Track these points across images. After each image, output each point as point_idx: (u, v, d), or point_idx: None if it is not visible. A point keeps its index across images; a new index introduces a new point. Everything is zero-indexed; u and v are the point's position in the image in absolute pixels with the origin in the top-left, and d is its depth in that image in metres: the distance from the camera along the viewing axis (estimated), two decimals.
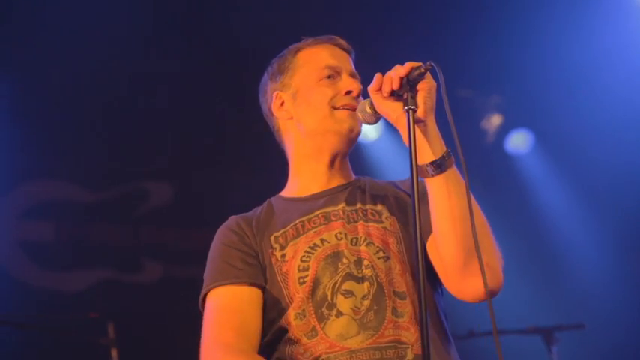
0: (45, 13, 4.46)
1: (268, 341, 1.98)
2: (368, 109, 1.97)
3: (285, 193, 2.18)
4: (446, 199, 1.86)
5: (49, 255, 4.94)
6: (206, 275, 2.05)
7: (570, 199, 5.71)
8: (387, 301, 1.92)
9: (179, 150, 5.22)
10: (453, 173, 1.87)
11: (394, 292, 1.94)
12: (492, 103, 5.66)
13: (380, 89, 1.88)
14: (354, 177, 2.17)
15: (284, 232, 2.04)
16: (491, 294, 1.82)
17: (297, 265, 1.98)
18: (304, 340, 1.92)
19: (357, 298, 1.93)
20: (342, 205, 2.06)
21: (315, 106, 2.10)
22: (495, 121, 5.69)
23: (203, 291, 2.03)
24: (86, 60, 4.64)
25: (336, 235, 2.00)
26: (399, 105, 1.86)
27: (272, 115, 2.20)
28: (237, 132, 5.12)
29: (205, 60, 5.00)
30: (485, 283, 1.72)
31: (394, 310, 1.92)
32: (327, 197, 2.09)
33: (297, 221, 2.05)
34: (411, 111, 1.80)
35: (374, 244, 1.98)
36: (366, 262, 1.96)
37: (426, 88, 1.83)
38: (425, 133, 1.86)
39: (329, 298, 1.93)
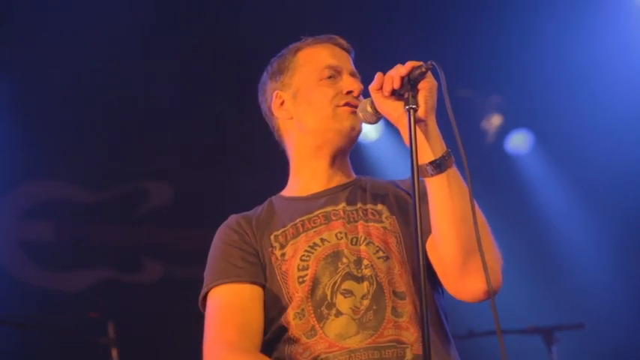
0: (45, 13, 4.46)
1: (268, 340, 1.98)
2: (369, 109, 1.97)
3: (286, 192, 2.18)
4: (445, 199, 1.86)
5: (49, 255, 4.94)
6: (207, 274, 2.05)
7: (570, 199, 5.71)
8: (387, 301, 1.92)
9: (179, 150, 5.22)
10: (453, 173, 1.87)
11: (394, 292, 1.94)
12: (492, 103, 5.66)
13: (381, 88, 1.88)
14: (354, 176, 2.17)
15: (284, 231, 2.04)
16: (489, 295, 1.82)
17: (296, 264, 1.98)
18: (303, 339, 1.92)
19: (357, 297, 1.92)
20: (343, 204, 2.06)
21: (316, 106, 2.10)
22: (495, 121, 5.69)
23: (204, 290, 2.03)
24: (86, 60, 4.64)
25: (336, 235, 2.00)
26: (399, 104, 1.85)
27: (272, 114, 2.20)
28: (237, 132, 5.12)
29: (205, 60, 5.00)
30: (487, 282, 1.72)
31: (393, 310, 1.92)
32: (328, 196, 2.09)
33: (297, 220, 2.05)
34: (411, 110, 1.80)
35: (374, 244, 1.98)
36: (365, 262, 1.96)
37: (427, 88, 1.83)
38: (425, 132, 1.86)
39: (328, 297, 1.93)
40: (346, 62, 2.16)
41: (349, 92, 2.09)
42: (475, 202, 1.84)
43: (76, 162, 4.98)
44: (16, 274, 4.86)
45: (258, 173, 4.80)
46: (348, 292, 1.93)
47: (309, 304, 1.93)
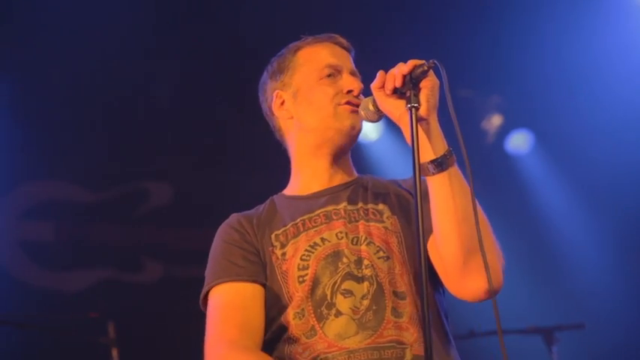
0: (45, 13, 4.46)
1: (268, 339, 1.97)
2: (370, 107, 1.97)
3: (288, 191, 2.17)
4: (447, 198, 1.85)
5: (49, 255, 4.94)
6: (208, 273, 2.05)
7: (570, 199, 5.71)
8: (387, 302, 1.92)
9: (179, 150, 5.22)
10: (454, 172, 1.86)
11: (394, 292, 1.93)
12: (493, 103, 5.66)
13: (382, 87, 1.88)
14: (356, 175, 2.17)
15: (285, 231, 2.04)
16: (490, 294, 1.81)
17: (297, 263, 1.97)
18: (303, 339, 1.91)
19: (357, 298, 1.92)
20: (344, 203, 2.06)
21: (316, 105, 2.09)
22: (496, 121, 5.69)
23: (205, 288, 2.03)
24: (86, 60, 4.64)
25: (336, 235, 2.00)
26: (401, 103, 1.85)
27: (272, 114, 2.19)
28: (237, 132, 5.12)
29: (205, 60, 5.00)
30: (489, 281, 1.72)
31: (393, 310, 1.91)
32: (329, 195, 2.08)
33: (298, 220, 2.05)
34: (413, 109, 1.80)
35: (374, 244, 1.98)
36: (366, 262, 1.95)
37: (428, 86, 1.83)
38: (427, 131, 1.85)
39: (328, 297, 1.93)
40: (346, 61, 2.16)
41: (349, 91, 2.09)
42: (477, 201, 1.84)
43: (76, 162, 4.98)
44: (16, 274, 4.86)
45: (258, 173, 4.80)
46: (348, 292, 1.93)
47: (309, 303, 1.93)
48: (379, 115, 1.97)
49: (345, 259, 1.96)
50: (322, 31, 2.22)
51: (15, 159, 4.86)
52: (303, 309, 1.93)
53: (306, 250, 1.99)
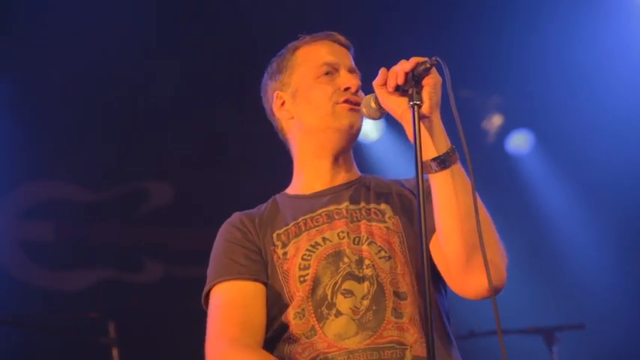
0: (45, 13, 4.46)
1: (268, 339, 1.97)
2: (372, 104, 1.96)
3: (290, 190, 2.17)
4: (449, 195, 1.84)
5: (49, 255, 4.94)
6: (209, 271, 2.05)
7: (571, 199, 5.71)
8: (387, 302, 1.91)
9: (179, 150, 5.22)
10: (457, 169, 1.86)
11: (395, 292, 1.93)
12: (493, 103, 5.65)
13: (385, 84, 1.87)
14: (359, 174, 2.16)
15: (286, 230, 2.04)
16: (493, 292, 1.81)
17: (298, 263, 1.97)
18: (303, 339, 1.91)
19: (357, 298, 1.92)
20: (346, 203, 2.05)
21: (314, 104, 2.09)
22: (496, 121, 5.69)
23: (207, 287, 2.03)
24: (86, 60, 4.64)
25: (338, 234, 1.99)
26: (403, 100, 1.84)
27: (274, 115, 2.19)
28: (238, 132, 5.12)
29: (205, 60, 5.00)
30: (489, 280, 1.71)
31: (394, 310, 1.91)
32: (331, 195, 2.08)
33: (299, 219, 2.04)
34: (416, 106, 1.79)
35: (376, 244, 1.97)
36: (367, 262, 1.95)
37: (431, 84, 1.82)
38: (429, 128, 1.85)
39: (329, 297, 1.92)
40: (344, 58, 2.15)
41: (347, 89, 2.08)
42: (479, 199, 1.83)
43: (77, 162, 4.98)
44: (17, 273, 4.86)
45: (259, 173, 4.80)
46: (349, 293, 1.93)
47: (310, 303, 1.93)
48: (381, 113, 1.96)
49: (346, 259, 1.96)
50: (323, 31, 2.21)
51: (15, 159, 4.86)
52: (303, 309, 1.93)
53: (308, 250, 1.98)
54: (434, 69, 1.82)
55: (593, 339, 5.00)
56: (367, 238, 1.98)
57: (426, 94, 1.81)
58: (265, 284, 1.99)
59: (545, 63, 5.23)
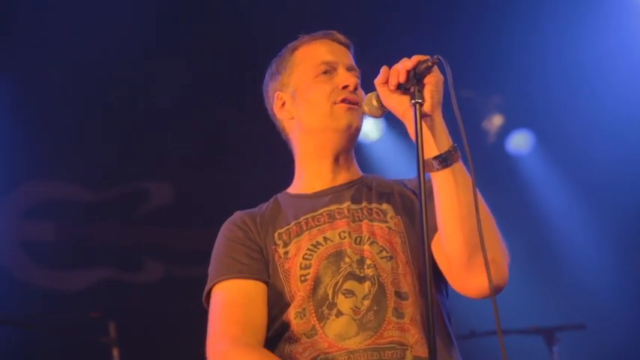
0: (45, 13, 4.46)
1: (269, 338, 1.97)
2: (374, 102, 1.95)
3: (292, 189, 2.17)
4: (451, 194, 1.84)
5: (49, 254, 4.94)
6: (211, 270, 2.05)
7: (571, 199, 5.71)
8: (388, 302, 1.91)
9: (179, 150, 5.22)
10: (458, 168, 1.85)
11: (396, 292, 1.92)
12: (493, 103, 5.65)
13: (386, 82, 1.86)
14: (361, 174, 2.16)
15: (288, 229, 2.03)
16: (496, 290, 1.80)
17: (299, 262, 1.97)
18: (304, 339, 1.91)
19: (358, 298, 1.91)
20: (348, 203, 2.05)
21: (313, 104, 2.08)
22: (496, 121, 5.68)
23: (208, 285, 2.02)
24: (87, 60, 4.65)
25: (339, 234, 1.99)
26: (405, 98, 1.84)
27: (275, 116, 2.19)
28: (238, 132, 5.12)
29: (205, 60, 5.00)
30: (489, 279, 1.70)
31: (395, 310, 1.91)
32: (333, 194, 2.08)
33: (301, 218, 2.04)
34: (417, 105, 1.78)
35: (377, 244, 1.97)
36: (368, 262, 1.95)
37: (433, 82, 1.81)
38: (431, 127, 1.84)
39: (330, 297, 1.92)
40: (343, 57, 2.14)
41: (345, 87, 2.07)
42: (481, 197, 1.83)
43: (77, 162, 4.98)
44: (17, 273, 4.86)
45: (259, 173, 4.80)
46: (350, 293, 1.92)
47: (311, 303, 1.92)
48: (383, 111, 1.95)
49: (347, 259, 1.96)
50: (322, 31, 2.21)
51: (15, 159, 4.86)
52: (304, 308, 1.93)
53: (309, 249, 1.98)
54: (436, 67, 1.81)
55: (594, 339, 5.00)
56: (369, 237, 1.98)
57: (427, 92, 1.81)
58: (266, 283, 1.99)
59: (545, 63, 5.23)
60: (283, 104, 2.15)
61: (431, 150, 1.84)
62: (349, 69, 2.12)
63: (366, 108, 1.98)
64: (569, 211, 5.71)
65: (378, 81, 1.89)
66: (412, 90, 1.80)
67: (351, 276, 1.94)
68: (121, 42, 4.62)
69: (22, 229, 4.96)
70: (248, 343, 1.90)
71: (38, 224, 4.98)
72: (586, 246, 5.64)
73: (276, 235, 2.03)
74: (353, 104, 2.06)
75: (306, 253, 1.98)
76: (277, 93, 2.17)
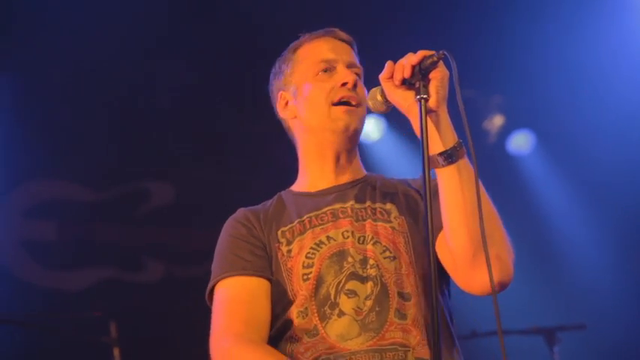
0: (46, 12, 4.46)
1: (271, 337, 1.96)
2: (378, 97, 1.92)
3: (295, 187, 2.16)
4: (456, 190, 1.83)
5: (51, 254, 4.94)
6: (214, 267, 2.04)
7: (572, 199, 5.71)
8: (390, 303, 1.91)
9: (180, 150, 5.22)
10: (464, 164, 1.84)
11: (399, 293, 1.92)
12: (494, 103, 5.65)
13: (391, 77, 1.84)
14: (365, 173, 2.15)
15: (291, 228, 2.03)
16: (500, 287, 1.80)
17: (302, 261, 1.96)
18: (305, 339, 1.91)
19: (360, 298, 1.91)
20: (351, 202, 2.04)
21: (312, 102, 2.07)
22: (497, 121, 5.68)
23: (211, 282, 2.02)
24: (88, 60, 4.65)
25: (342, 234, 1.99)
26: (410, 94, 1.83)
27: (279, 115, 2.19)
28: (238, 132, 5.12)
29: (206, 60, 5.00)
30: (491, 278, 1.69)
31: (397, 311, 1.90)
32: (336, 193, 2.07)
33: (304, 217, 2.03)
34: (422, 100, 1.77)
35: (381, 244, 1.96)
36: (371, 262, 1.94)
37: (438, 78, 1.80)
38: (436, 123, 1.83)
39: (332, 297, 1.92)
40: (344, 55, 2.12)
41: (343, 84, 2.06)
42: (486, 193, 1.82)
43: (78, 161, 4.98)
44: (19, 273, 4.86)
45: (259, 173, 4.81)
46: (352, 293, 1.92)
47: (313, 302, 1.92)
48: (387, 106, 1.93)
49: (350, 259, 1.95)
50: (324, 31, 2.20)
51: (16, 158, 4.86)
52: (306, 308, 1.92)
53: (312, 248, 1.97)
54: (441, 62, 1.79)
55: (595, 339, 5.00)
56: (372, 237, 1.97)
57: (433, 87, 1.79)
58: (270, 280, 1.98)
59: (546, 63, 5.23)
60: (286, 103, 2.15)
61: (436, 146, 1.83)
62: (349, 66, 2.10)
63: (370, 103, 1.96)
64: (569, 212, 5.70)
65: (382, 76, 1.87)
66: (417, 85, 1.79)
67: (354, 276, 1.93)
68: (121, 42, 4.62)
69: (23, 228, 4.96)
70: (252, 340, 1.89)
71: (39, 224, 4.98)
72: (587, 246, 5.63)
73: (279, 232, 2.02)
74: (352, 105, 2.05)
75: (309, 252, 1.97)
76: (280, 92, 2.16)
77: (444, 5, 4.92)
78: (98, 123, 4.98)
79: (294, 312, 1.93)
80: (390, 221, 2.00)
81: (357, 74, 2.10)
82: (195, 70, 4.99)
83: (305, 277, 1.94)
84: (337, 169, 2.10)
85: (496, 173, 5.52)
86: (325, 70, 2.09)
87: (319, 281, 1.93)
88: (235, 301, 1.96)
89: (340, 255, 1.96)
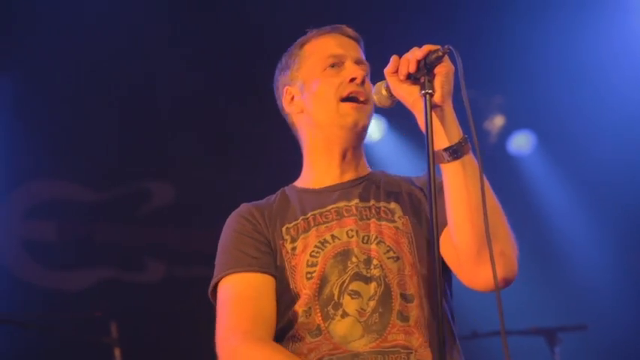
0: (46, 12, 4.46)
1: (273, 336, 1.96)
2: (383, 92, 1.91)
3: (299, 183, 2.15)
4: (461, 186, 1.82)
5: (51, 254, 4.94)
6: (218, 263, 2.02)
7: (573, 199, 5.70)
8: (393, 304, 1.90)
9: (181, 150, 5.22)
10: (469, 160, 1.83)
11: (402, 294, 1.91)
12: (495, 103, 5.65)
13: (396, 72, 1.83)
14: (369, 170, 2.14)
15: (296, 225, 2.02)
16: (505, 283, 1.80)
17: (306, 259, 1.96)
18: (308, 339, 1.90)
19: (364, 299, 1.90)
20: (356, 200, 2.03)
21: (321, 97, 2.07)
22: (498, 121, 5.68)
23: (215, 279, 2.00)
24: (88, 60, 4.65)
25: (347, 233, 1.98)
26: (415, 89, 1.81)
27: (284, 111, 2.18)
28: (240, 132, 5.12)
29: (207, 59, 5.00)
30: (494, 275, 1.68)
31: (399, 313, 1.90)
32: (341, 191, 2.06)
33: (309, 214, 2.02)
34: (427, 95, 1.76)
35: (384, 244, 1.96)
36: (375, 262, 1.93)
37: (443, 72, 1.79)
38: (441, 118, 1.82)
39: (335, 297, 1.91)
40: (352, 50, 2.12)
41: (352, 80, 2.06)
42: (491, 189, 1.81)
43: (79, 161, 4.98)
44: (19, 273, 4.86)
45: (259, 173, 4.80)
46: (356, 294, 1.91)
47: (316, 302, 1.91)
48: (392, 101, 1.91)
49: (354, 259, 1.94)
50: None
51: (17, 158, 4.86)
52: (310, 307, 1.91)
53: (316, 247, 1.96)
54: (446, 57, 1.78)
55: (596, 339, 5.00)
56: (376, 237, 1.96)
57: (438, 82, 1.78)
58: (275, 277, 1.97)
59: (547, 63, 5.22)
60: (292, 98, 2.14)
61: (441, 141, 1.82)
62: (357, 62, 2.10)
63: (375, 97, 1.95)
64: (570, 212, 5.70)
65: (387, 70, 1.86)
66: (422, 80, 1.78)
67: (358, 276, 1.92)
68: (121, 42, 4.62)
69: (24, 228, 4.96)
70: (260, 337, 1.88)
71: (40, 224, 4.98)
72: (588, 246, 5.63)
73: (284, 229, 2.01)
74: (360, 102, 2.05)
75: (313, 251, 1.96)
76: (286, 87, 2.16)
77: (445, 5, 4.92)
78: (98, 123, 4.97)
79: (297, 310, 1.92)
80: (394, 221, 2.00)
81: (364, 71, 2.10)
82: (195, 70, 4.98)
83: (308, 275, 1.93)
84: (343, 166, 2.09)
85: (496, 174, 5.51)
86: (333, 66, 2.09)
87: (323, 280, 1.93)
88: (242, 298, 1.94)
89: (344, 254, 1.95)
